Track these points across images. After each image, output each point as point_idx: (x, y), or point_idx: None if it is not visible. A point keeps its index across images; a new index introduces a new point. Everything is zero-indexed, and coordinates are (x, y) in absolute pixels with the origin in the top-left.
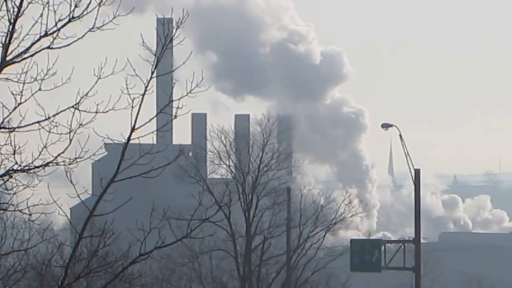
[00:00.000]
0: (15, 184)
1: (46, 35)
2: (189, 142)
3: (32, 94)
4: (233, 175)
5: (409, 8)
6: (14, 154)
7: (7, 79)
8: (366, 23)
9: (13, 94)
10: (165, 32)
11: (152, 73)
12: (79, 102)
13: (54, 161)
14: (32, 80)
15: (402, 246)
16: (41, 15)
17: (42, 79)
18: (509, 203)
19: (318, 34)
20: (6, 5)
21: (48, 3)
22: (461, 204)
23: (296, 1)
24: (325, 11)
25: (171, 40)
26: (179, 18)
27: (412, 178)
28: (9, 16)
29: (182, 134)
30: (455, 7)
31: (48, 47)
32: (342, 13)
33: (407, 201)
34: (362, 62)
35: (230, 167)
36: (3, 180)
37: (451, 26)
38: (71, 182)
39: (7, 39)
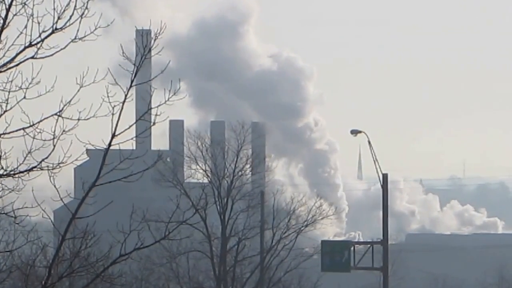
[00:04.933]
0: (1, 188)
1: (30, 45)
2: (167, 148)
3: (17, 102)
4: (209, 179)
5: (373, 14)
6: (0, 159)
7: None
8: (331, 30)
9: None
10: (144, 42)
11: (132, 81)
12: (62, 109)
13: (38, 166)
14: (17, 88)
15: (371, 247)
16: (26, 27)
17: (27, 88)
18: (472, 204)
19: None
20: None
21: (32, 15)
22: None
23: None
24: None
25: (150, 50)
26: (157, 30)
27: (380, 182)
28: None
29: (160, 140)
30: (419, 14)
31: (32, 57)
32: (302, 18)
33: (374, 203)
34: (327, 70)
35: (206, 171)
36: None
37: (418, 32)
38: (55, 186)
39: None
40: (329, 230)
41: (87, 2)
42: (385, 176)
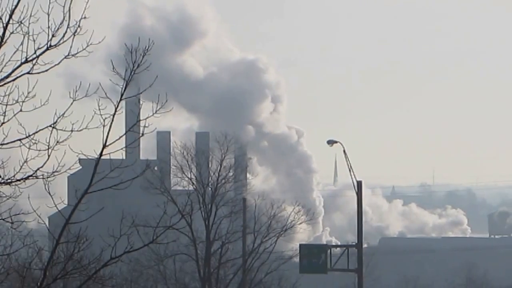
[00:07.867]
0: None
1: (26, 61)
2: (155, 158)
3: (14, 115)
4: (194, 187)
5: (352, 20)
6: None
7: None
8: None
9: None
10: (133, 58)
11: (121, 95)
12: (56, 121)
13: (34, 175)
14: (14, 102)
15: (346, 250)
16: (22, 44)
17: (23, 101)
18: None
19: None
20: None
21: (28, 33)
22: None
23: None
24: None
25: (138, 65)
26: (145, 46)
27: (355, 189)
28: None
29: (148, 150)
30: (394, 22)
31: (28, 73)
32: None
33: (349, 209)
34: (300, 84)
35: (192, 179)
36: None
37: (393, 41)
38: (49, 194)
39: None
40: (307, 233)
41: (79, 21)
42: (359, 183)
